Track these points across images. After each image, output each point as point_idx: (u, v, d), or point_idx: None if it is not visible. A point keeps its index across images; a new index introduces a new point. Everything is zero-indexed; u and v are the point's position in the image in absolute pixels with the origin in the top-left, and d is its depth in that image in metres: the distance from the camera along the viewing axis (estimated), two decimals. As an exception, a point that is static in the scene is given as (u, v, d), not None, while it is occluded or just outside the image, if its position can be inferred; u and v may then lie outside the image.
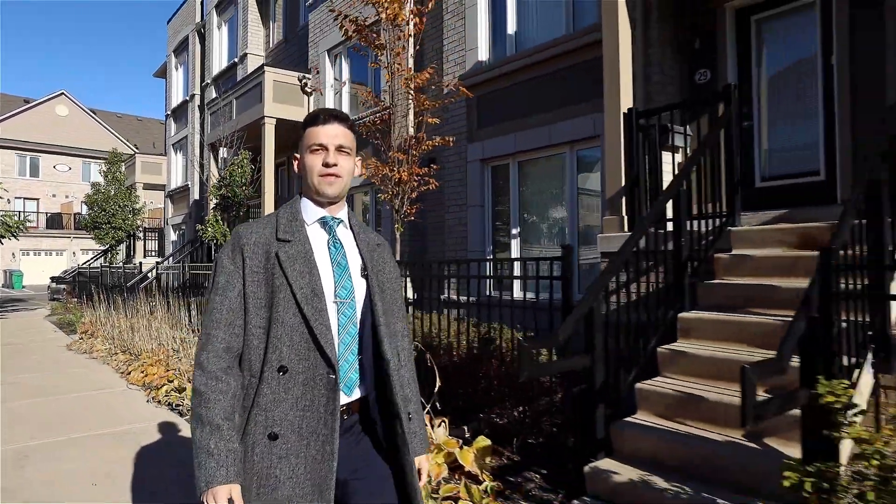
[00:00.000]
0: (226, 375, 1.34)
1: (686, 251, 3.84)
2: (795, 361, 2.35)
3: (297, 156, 1.53)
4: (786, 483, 1.87)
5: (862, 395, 2.65)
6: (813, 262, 2.73)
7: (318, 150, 1.46)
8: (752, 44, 5.30)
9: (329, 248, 1.48)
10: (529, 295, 6.04)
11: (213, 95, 14.05)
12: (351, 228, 1.57)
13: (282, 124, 10.83)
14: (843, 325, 2.62)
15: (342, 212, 1.55)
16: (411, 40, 6.45)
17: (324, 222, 1.50)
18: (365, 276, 1.49)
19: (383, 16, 6.04)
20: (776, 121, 5.17)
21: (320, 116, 1.48)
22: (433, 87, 7.41)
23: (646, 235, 3.61)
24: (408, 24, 6.09)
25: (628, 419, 3.22)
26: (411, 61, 7.90)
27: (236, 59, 14.60)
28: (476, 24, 7.61)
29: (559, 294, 3.89)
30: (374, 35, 6.40)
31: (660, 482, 2.66)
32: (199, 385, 1.33)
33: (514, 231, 7.36)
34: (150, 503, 3.21)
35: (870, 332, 2.89)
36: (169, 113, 19.45)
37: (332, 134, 1.46)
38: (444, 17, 8.03)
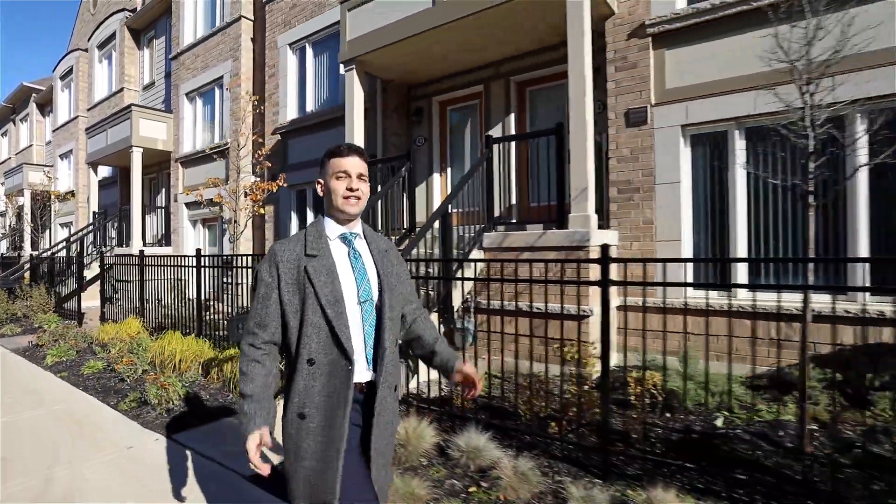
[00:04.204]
0: (263, 358, 1.64)
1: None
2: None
3: (321, 181, 1.73)
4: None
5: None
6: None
7: (342, 176, 1.67)
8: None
9: (350, 258, 1.70)
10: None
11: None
12: (365, 238, 1.79)
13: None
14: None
15: (358, 226, 1.78)
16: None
17: (344, 237, 1.73)
18: (378, 278, 1.72)
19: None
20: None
21: (343, 149, 1.70)
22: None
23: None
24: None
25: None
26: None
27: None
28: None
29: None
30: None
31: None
32: (243, 366, 1.63)
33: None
34: None
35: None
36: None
37: (354, 164, 1.68)
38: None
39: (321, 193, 1.73)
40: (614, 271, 5.30)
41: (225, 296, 6.97)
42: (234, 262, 6.08)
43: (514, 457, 3.16)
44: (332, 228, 1.71)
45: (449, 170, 7.84)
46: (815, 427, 3.51)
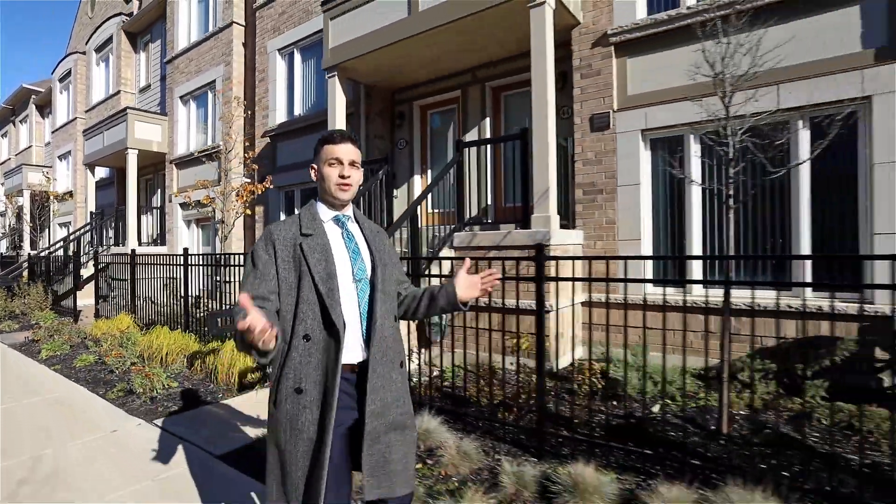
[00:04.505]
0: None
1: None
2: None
3: (315, 166, 1.79)
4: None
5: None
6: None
7: (334, 163, 1.72)
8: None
9: (344, 239, 1.76)
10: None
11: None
12: (357, 221, 1.85)
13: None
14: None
15: (349, 210, 1.84)
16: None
17: (337, 220, 1.79)
18: (371, 256, 1.78)
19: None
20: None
21: (336, 136, 1.74)
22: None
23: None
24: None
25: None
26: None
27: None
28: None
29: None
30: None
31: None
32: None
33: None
34: None
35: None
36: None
37: (346, 151, 1.73)
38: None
39: (315, 178, 1.79)
40: (583, 269, 5.62)
41: (217, 293, 7.28)
42: (221, 261, 6.39)
43: (461, 438, 3.46)
44: (324, 212, 1.78)
45: (430, 172, 8.14)
46: (744, 412, 3.80)
